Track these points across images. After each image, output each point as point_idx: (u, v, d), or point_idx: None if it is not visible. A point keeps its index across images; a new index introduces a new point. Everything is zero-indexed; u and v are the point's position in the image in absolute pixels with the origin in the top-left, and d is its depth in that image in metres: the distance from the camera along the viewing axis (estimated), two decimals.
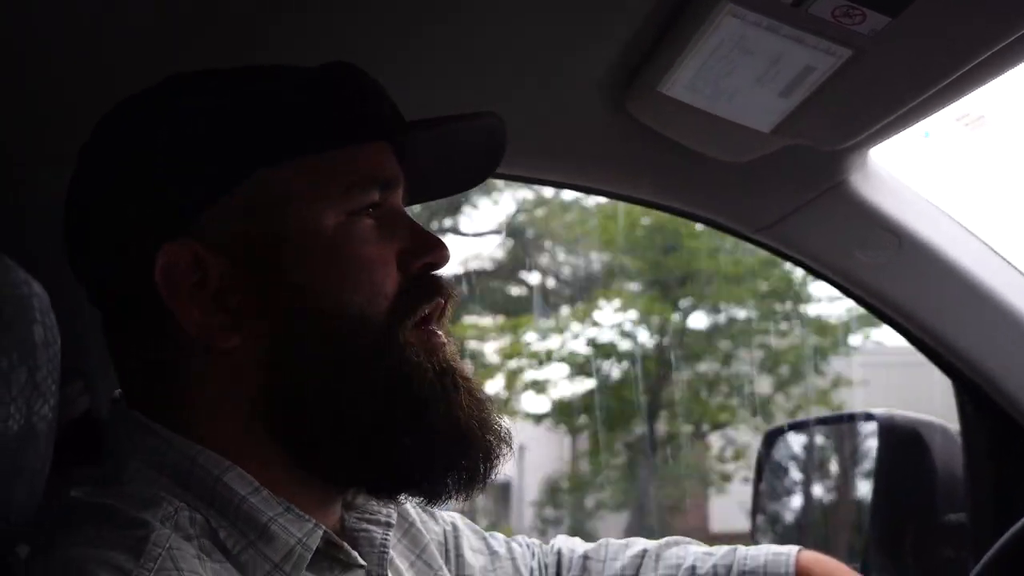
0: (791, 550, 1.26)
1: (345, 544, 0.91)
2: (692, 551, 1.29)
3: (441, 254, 0.94)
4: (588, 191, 1.49)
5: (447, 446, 0.90)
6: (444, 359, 0.92)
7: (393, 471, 0.91)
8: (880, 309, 1.55)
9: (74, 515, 0.83)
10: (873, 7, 0.92)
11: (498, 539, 1.27)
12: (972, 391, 1.59)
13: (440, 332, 0.93)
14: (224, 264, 0.87)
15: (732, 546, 1.30)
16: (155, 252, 0.85)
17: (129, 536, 0.78)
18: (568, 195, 10.37)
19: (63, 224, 0.94)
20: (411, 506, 1.14)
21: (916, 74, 1.03)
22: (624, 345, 11.11)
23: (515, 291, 12.24)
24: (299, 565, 0.86)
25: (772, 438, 2.05)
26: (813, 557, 1.26)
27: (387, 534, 1.00)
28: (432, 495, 0.93)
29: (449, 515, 1.23)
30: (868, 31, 0.95)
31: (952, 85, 1.05)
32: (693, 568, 1.26)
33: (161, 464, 0.86)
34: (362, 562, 0.93)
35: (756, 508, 2.04)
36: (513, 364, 11.18)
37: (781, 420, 8.88)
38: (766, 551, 1.26)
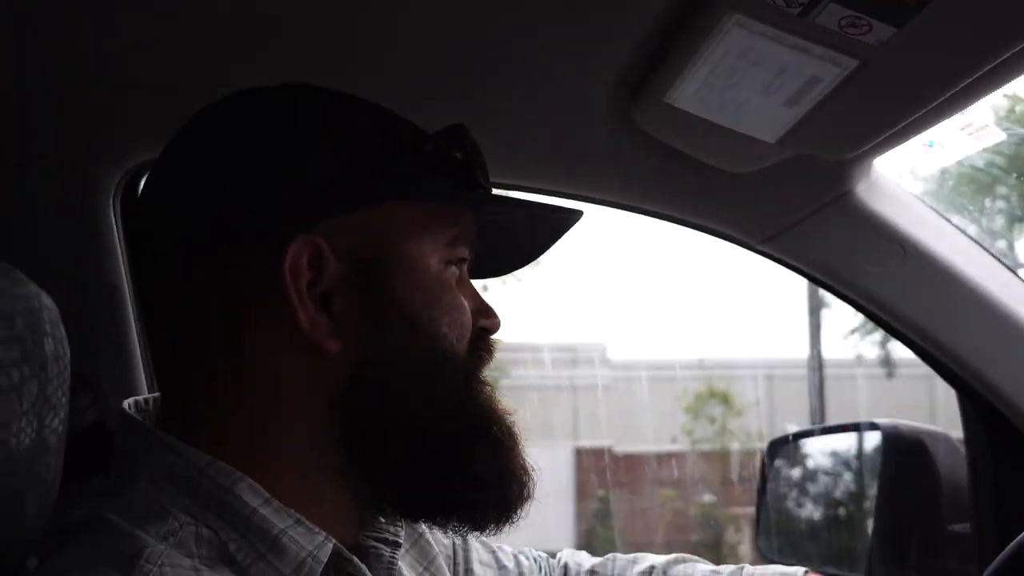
0: (798, 572, 1.26)
1: (355, 559, 0.91)
2: (699, 569, 1.29)
3: (497, 322, 1.00)
4: (594, 202, 1.48)
5: (505, 480, 0.94)
6: (501, 404, 0.97)
7: (447, 497, 0.93)
8: (885, 320, 1.55)
9: (74, 529, 0.83)
10: (879, 18, 0.92)
11: (506, 552, 1.27)
12: (976, 401, 1.59)
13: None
14: (338, 270, 0.88)
15: (739, 565, 1.30)
16: (288, 241, 0.86)
17: (122, 553, 0.77)
18: None
19: (150, 202, 0.93)
20: None
21: (922, 84, 1.04)
22: None
23: None
24: None
25: (776, 447, 2.05)
26: None
27: (395, 553, 1.01)
28: (470, 525, 0.95)
29: None
30: (874, 41, 0.95)
31: (958, 95, 1.05)
32: None
33: (170, 475, 0.86)
34: None
35: (760, 517, 2.05)
36: None
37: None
38: (772, 572, 1.27)
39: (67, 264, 1.25)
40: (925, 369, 1.57)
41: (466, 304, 0.95)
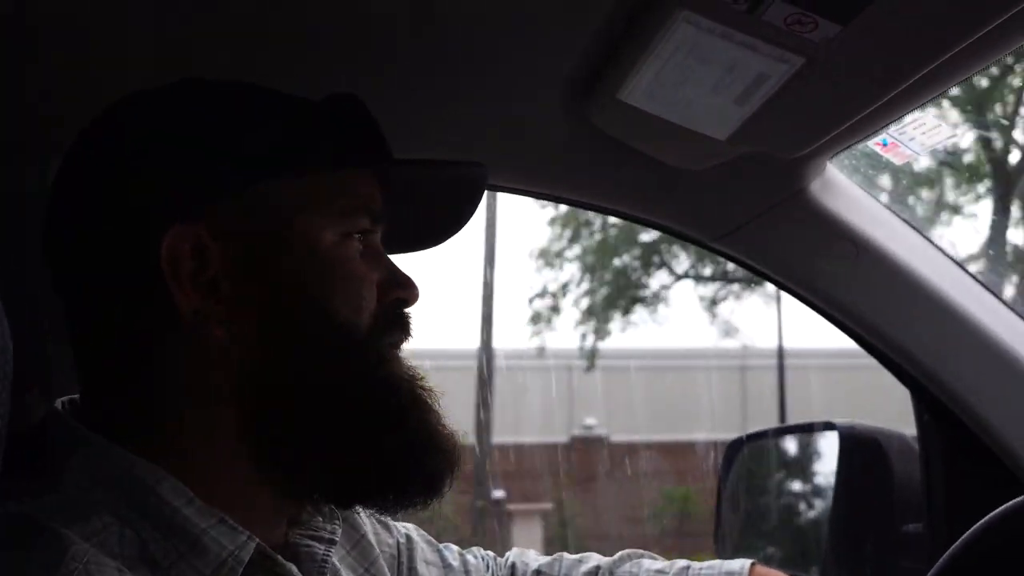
0: (744, 565, 1.27)
1: (279, 557, 0.90)
2: (645, 567, 1.29)
3: (413, 293, 0.98)
4: (548, 199, 1.49)
5: (420, 451, 0.93)
6: (411, 370, 0.96)
7: (363, 476, 0.93)
8: (838, 318, 1.55)
9: (1, 526, 0.82)
10: (824, 15, 0.93)
11: (452, 551, 1.27)
12: (929, 401, 1.60)
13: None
14: (224, 255, 0.88)
15: (685, 562, 1.30)
16: (162, 233, 0.86)
17: (49, 549, 0.77)
18: None
19: (51, 200, 0.94)
20: (365, 517, 1.14)
21: (869, 82, 1.04)
22: None
23: None
24: None
25: (734, 448, 2.05)
26: (765, 573, 1.26)
27: (329, 550, 1.00)
28: (389, 507, 0.95)
29: (404, 527, 1.23)
30: (820, 39, 0.96)
31: (906, 92, 1.06)
32: None
33: (95, 475, 0.86)
34: (297, 574, 0.92)
35: (719, 519, 2.05)
36: None
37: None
38: (719, 567, 1.27)
39: (12, 255, 1.24)
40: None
41: (369, 276, 0.94)
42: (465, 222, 1.11)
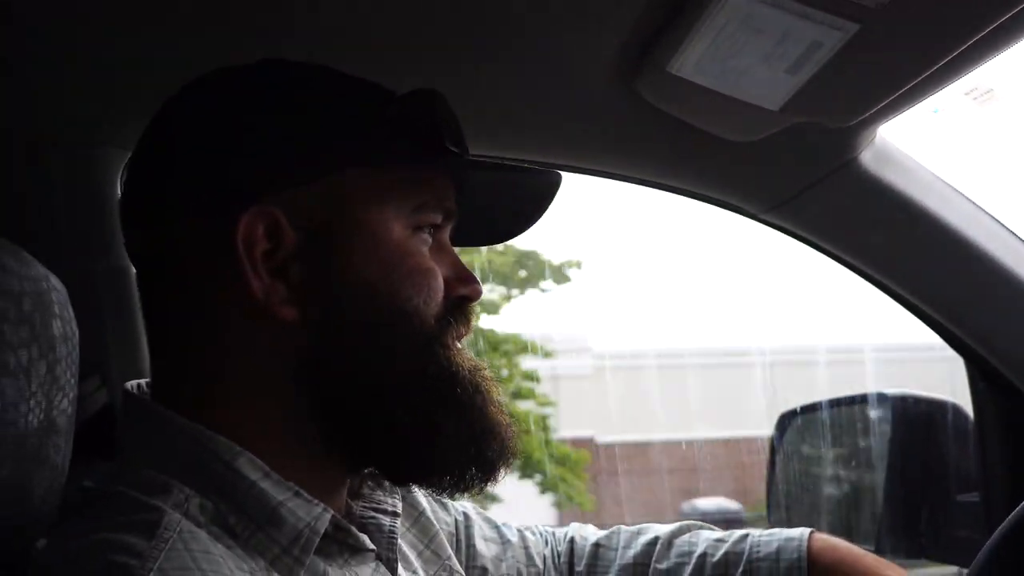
0: (803, 533, 1.26)
1: (353, 528, 0.93)
2: (704, 537, 1.29)
3: (476, 289, 1.00)
4: (598, 174, 1.48)
5: (477, 438, 0.95)
6: (474, 360, 0.98)
7: (424, 459, 0.95)
8: (892, 288, 1.55)
9: (86, 504, 0.84)
10: None
11: (510, 528, 1.28)
12: (984, 369, 1.59)
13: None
14: (297, 239, 0.89)
15: (744, 531, 1.30)
16: (240, 212, 0.88)
17: (141, 520, 0.79)
18: None
19: (128, 179, 0.97)
20: (422, 495, 1.15)
21: (923, 47, 1.03)
22: None
23: None
24: (307, 548, 0.87)
25: (785, 421, 2.05)
26: (825, 540, 1.26)
27: (395, 522, 1.02)
28: (454, 486, 0.97)
29: (461, 505, 1.25)
30: (874, 4, 0.95)
31: (959, 58, 1.05)
32: (704, 555, 1.27)
33: (172, 451, 0.87)
34: (371, 546, 0.95)
35: (771, 491, 2.05)
36: None
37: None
38: (778, 536, 1.27)
39: (75, 246, 1.25)
40: None
41: (436, 270, 0.95)
42: (532, 224, 1.12)
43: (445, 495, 1.03)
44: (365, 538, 0.95)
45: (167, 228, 0.91)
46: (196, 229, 0.90)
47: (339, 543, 0.92)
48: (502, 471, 0.97)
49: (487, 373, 0.98)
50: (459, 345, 0.98)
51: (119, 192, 1.29)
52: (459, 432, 0.94)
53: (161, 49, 1.12)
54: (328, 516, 0.89)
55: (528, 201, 1.10)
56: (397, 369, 0.92)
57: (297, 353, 0.90)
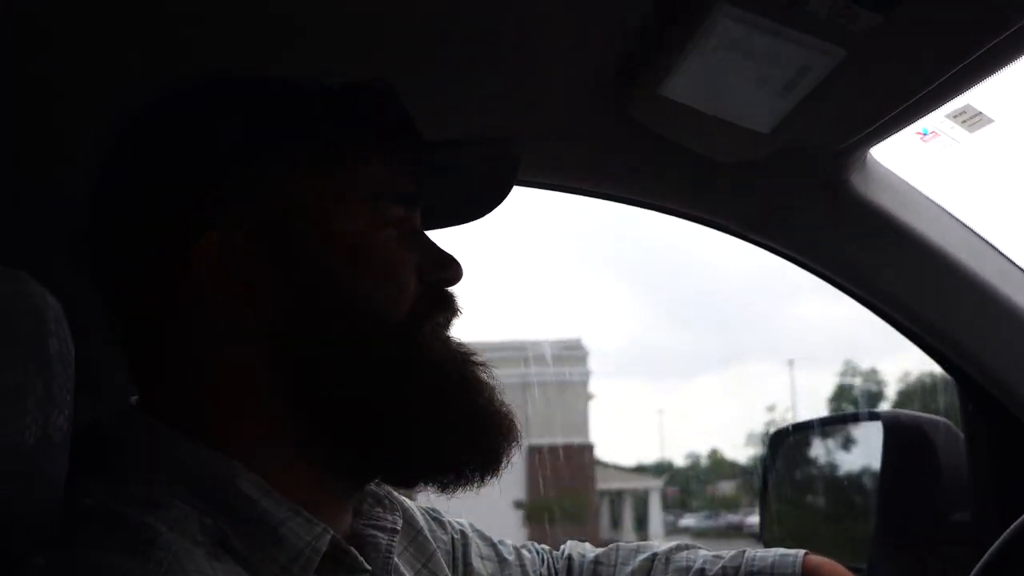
0: (798, 553, 1.27)
1: (352, 549, 0.92)
2: (702, 555, 1.31)
3: (456, 271, 0.98)
4: (590, 195, 1.49)
5: (468, 429, 0.94)
6: (459, 347, 0.97)
7: (415, 457, 0.94)
8: (881, 307, 1.55)
9: (82, 521, 0.84)
10: (866, 6, 0.93)
11: (507, 546, 1.28)
12: (973, 388, 1.59)
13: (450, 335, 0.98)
14: (255, 256, 0.89)
15: (741, 549, 1.31)
16: (193, 241, 0.88)
17: (136, 540, 0.78)
18: None
19: (90, 225, 0.96)
20: (420, 515, 1.16)
21: (911, 72, 1.05)
22: None
23: None
24: (307, 567, 0.87)
25: (778, 440, 2.06)
26: (819, 560, 1.27)
27: (392, 540, 1.02)
28: (450, 482, 0.95)
29: (458, 523, 1.24)
30: (862, 30, 0.96)
31: (947, 82, 1.06)
32: (702, 571, 1.27)
33: (170, 468, 0.87)
34: (367, 566, 0.94)
35: (764, 510, 2.05)
36: None
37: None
38: (774, 553, 1.28)
39: (71, 265, 1.26)
40: None
41: (404, 261, 0.94)
42: (504, 196, 1.10)
43: (449, 492, 1.03)
44: (362, 559, 0.94)
45: (128, 256, 0.92)
46: (156, 257, 0.90)
47: (336, 562, 0.91)
48: (504, 459, 0.96)
49: (476, 359, 0.97)
50: (445, 334, 0.97)
51: None
52: (450, 427, 0.93)
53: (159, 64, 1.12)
54: (328, 536, 0.89)
55: (493, 173, 1.09)
56: (373, 369, 0.91)
57: (276, 365, 0.90)
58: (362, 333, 0.91)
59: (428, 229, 1.03)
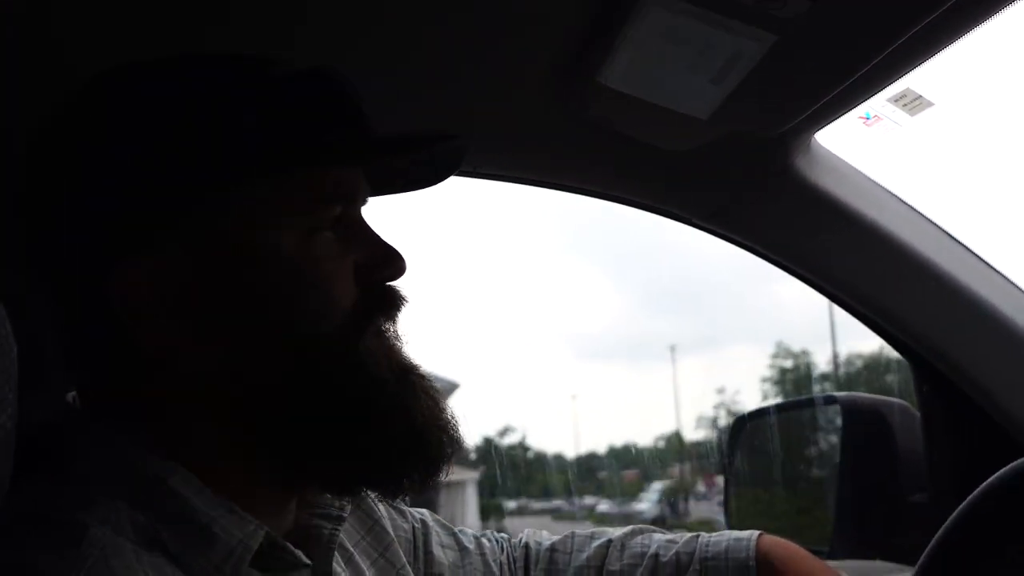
0: (752, 535, 1.28)
1: (288, 545, 0.91)
2: (656, 539, 1.31)
3: (398, 267, 0.96)
4: (535, 184, 1.49)
5: (404, 445, 0.92)
6: (401, 361, 0.94)
7: (350, 472, 0.93)
8: (832, 292, 1.56)
9: (15, 522, 0.83)
10: None
11: (467, 535, 1.29)
12: (927, 371, 1.60)
13: (392, 335, 0.95)
14: (183, 280, 0.87)
15: (695, 533, 1.31)
16: (111, 273, 0.86)
17: (64, 538, 0.78)
18: None
19: (26, 226, 0.94)
20: (380, 504, 1.15)
21: (843, 56, 1.05)
22: None
23: None
24: (238, 566, 0.86)
25: (739, 425, 2.07)
26: (773, 541, 1.27)
27: (336, 528, 1.01)
28: (390, 492, 0.95)
29: (419, 512, 1.24)
30: (791, 15, 0.96)
31: (881, 65, 1.06)
32: (656, 556, 1.28)
33: (104, 467, 0.86)
34: (307, 561, 0.93)
35: (727, 495, 2.06)
36: None
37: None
38: (727, 536, 1.28)
39: (15, 261, 1.25)
40: None
41: (340, 269, 0.92)
42: (448, 176, 1.06)
43: (389, 498, 1.02)
44: (300, 554, 0.93)
45: (57, 266, 0.90)
46: (83, 290, 0.89)
47: (275, 559, 0.90)
48: (443, 468, 0.95)
49: (418, 369, 0.95)
50: (387, 344, 0.94)
51: None
52: (390, 437, 0.92)
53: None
54: (262, 533, 0.88)
55: (439, 165, 1.05)
56: (308, 385, 0.89)
57: (212, 378, 0.88)
58: (295, 348, 0.89)
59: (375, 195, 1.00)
